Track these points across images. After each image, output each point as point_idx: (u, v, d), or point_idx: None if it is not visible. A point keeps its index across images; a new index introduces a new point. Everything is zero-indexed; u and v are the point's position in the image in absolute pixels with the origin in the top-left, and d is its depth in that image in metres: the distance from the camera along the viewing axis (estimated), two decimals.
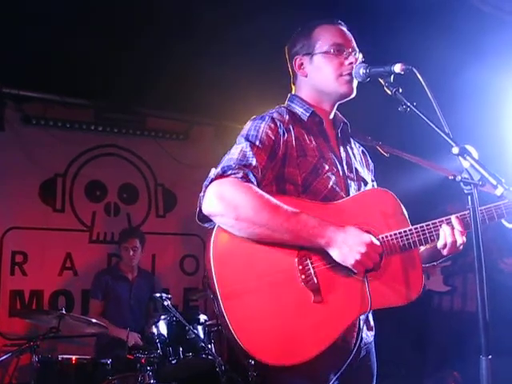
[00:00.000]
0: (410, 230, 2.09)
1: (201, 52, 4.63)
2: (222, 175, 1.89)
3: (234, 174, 1.88)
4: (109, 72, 5.01)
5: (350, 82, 2.15)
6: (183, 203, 6.36)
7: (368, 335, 2.14)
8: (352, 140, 2.37)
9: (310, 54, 2.20)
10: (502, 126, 4.67)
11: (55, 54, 4.66)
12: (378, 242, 1.93)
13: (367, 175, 2.34)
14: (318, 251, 1.91)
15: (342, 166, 2.19)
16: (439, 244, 2.13)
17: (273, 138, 2.02)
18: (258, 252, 1.87)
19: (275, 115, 2.10)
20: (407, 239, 2.06)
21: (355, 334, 2.04)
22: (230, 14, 4.02)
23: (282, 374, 1.89)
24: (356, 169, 2.27)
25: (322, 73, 2.18)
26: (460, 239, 2.14)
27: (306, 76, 2.23)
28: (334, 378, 1.94)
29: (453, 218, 2.14)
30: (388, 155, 2.37)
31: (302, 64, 2.23)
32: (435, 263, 2.28)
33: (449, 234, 2.13)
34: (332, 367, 1.94)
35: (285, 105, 2.25)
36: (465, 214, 2.12)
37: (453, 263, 4.86)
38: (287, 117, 2.13)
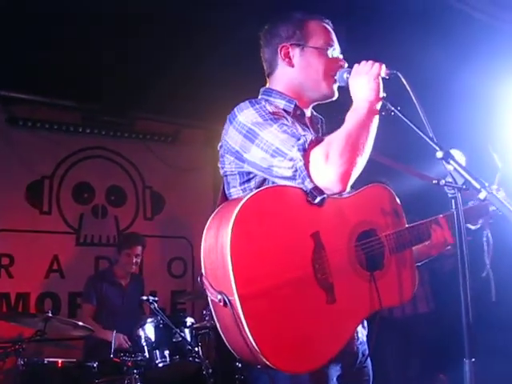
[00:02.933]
0: (407, 228, 2.13)
1: (192, 55, 4.64)
2: (304, 153, 1.75)
3: (309, 142, 1.77)
4: (97, 74, 4.99)
5: (334, 83, 2.11)
6: (171, 206, 6.35)
7: (363, 333, 2.09)
8: None
9: (302, 45, 2.08)
10: (494, 129, 4.68)
11: (43, 56, 4.64)
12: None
13: None
14: (334, 242, 1.85)
15: None
16: (430, 243, 2.17)
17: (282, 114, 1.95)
18: (274, 248, 1.73)
19: (263, 101, 1.98)
20: (405, 238, 2.09)
21: (355, 335, 2.00)
22: (223, 18, 4.03)
23: (285, 381, 1.82)
24: None
25: (311, 69, 2.08)
26: (449, 239, 2.20)
27: (293, 67, 2.10)
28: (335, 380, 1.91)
29: (440, 218, 2.19)
30: None
31: (288, 53, 2.09)
32: (419, 264, 2.31)
33: (439, 234, 2.19)
34: (335, 370, 1.91)
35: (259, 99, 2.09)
36: (451, 215, 2.16)
37: None
38: (273, 106, 2.00)
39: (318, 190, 1.77)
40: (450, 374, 5.42)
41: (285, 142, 1.78)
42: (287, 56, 2.10)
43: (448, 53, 4.15)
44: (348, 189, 1.78)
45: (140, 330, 4.26)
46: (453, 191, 1.69)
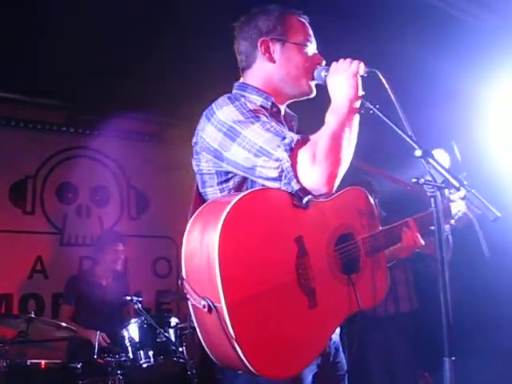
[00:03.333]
0: (381, 231, 2.17)
1: (175, 54, 4.62)
2: (291, 152, 1.73)
3: (295, 142, 1.75)
4: (81, 73, 4.96)
5: (313, 81, 2.08)
6: (156, 205, 6.34)
7: (336, 333, 2.10)
8: None
9: (283, 40, 2.04)
10: (476, 127, 4.73)
11: (26, 55, 4.60)
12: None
13: None
14: (315, 246, 1.84)
15: None
16: (400, 246, 2.21)
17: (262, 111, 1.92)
18: (260, 253, 1.70)
19: (242, 99, 1.94)
20: (380, 241, 2.13)
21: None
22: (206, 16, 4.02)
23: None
24: None
25: (291, 65, 2.04)
26: (417, 241, 2.25)
27: (274, 62, 2.04)
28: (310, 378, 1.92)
29: (410, 220, 2.23)
30: None
31: (269, 48, 2.04)
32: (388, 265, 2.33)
33: (409, 237, 2.23)
34: (310, 371, 1.91)
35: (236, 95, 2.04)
36: (420, 217, 2.21)
37: None
38: (251, 103, 1.95)
39: (304, 191, 1.76)
40: (433, 372, 5.47)
41: (269, 141, 1.75)
42: (267, 51, 2.05)
43: (429, 50, 4.18)
44: (335, 189, 1.77)
45: (124, 330, 4.24)
46: (432, 190, 1.69)
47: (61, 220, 5.93)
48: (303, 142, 1.76)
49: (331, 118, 1.82)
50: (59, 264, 5.75)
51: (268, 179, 1.79)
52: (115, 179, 6.30)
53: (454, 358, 1.61)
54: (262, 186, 1.83)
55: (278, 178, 1.76)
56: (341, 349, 2.16)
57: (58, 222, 5.91)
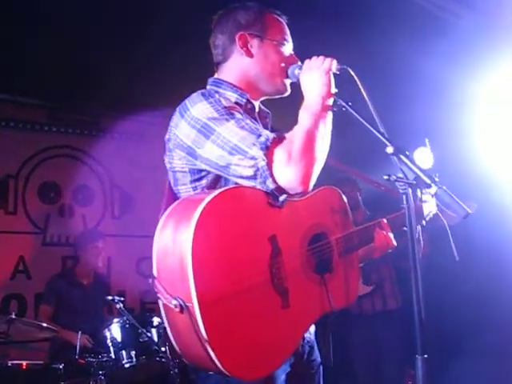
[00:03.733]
0: (354, 232, 2.17)
1: (157, 53, 4.61)
2: (267, 150, 1.72)
3: (271, 141, 1.74)
4: (62, 71, 4.92)
5: (288, 79, 2.07)
6: (140, 204, 6.29)
7: (310, 331, 2.10)
8: None
9: (261, 36, 2.04)
10: (462, 123, 4.77)
11: (6, 53, 4.56)
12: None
13: None
14: (289, 245, 1.84)
15: None
16: (373, 246, 2.22)
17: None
18: (234, 252, 1.69)
19: (216, 95, 1.92)
20: (353, 241, 2.14)
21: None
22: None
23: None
24: None
25: (268, 61, 2.04)
26: (390, 241, 2.27)
27: (251, 57, 2.03)
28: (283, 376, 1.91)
29: (383, 221, 2.24)
30: None
31: (247, 43, 2.03)
32: (361, 265, 2.34)
33: (382, 237, 2.25)
34: (283, 370, 1.90)
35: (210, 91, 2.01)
36: (393, 217, 2.23)
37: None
38: (225, 99, 1.94)
39: (279, 190, 1.74)
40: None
41: (244, 139, 1.74)
42: (245, 45, 2.04)
43: (412, 49, 4.18)
44: (311, 188, 1.77)
45: (106, 330, 4.21)
46: (404, 187, 1.68)
47: (43, 220, 5.87)
48: (279, 140, 1.74)
49: (305, 116, 1.82)
50: (42, 264, 5.70)
51: (243, 178, 1.77)
52: (98, 178, 6.26)
53: (426, 356, 1.61)
54: (236, 184, 1.81)
55: (253, 177, 1.74)
56: (316, 347, 2.16)
57: (40, 221, 5.86)
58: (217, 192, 1.69)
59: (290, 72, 2.04)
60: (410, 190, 1.68)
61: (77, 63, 4.81)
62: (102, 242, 5.20)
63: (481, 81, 4.56)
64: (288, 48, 2.10)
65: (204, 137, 1.79)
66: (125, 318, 4.18)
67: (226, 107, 1.84)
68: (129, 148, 6.31)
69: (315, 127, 1.78)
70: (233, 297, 1.65)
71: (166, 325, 1.75)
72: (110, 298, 4.19)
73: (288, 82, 2.08)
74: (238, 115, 1.83)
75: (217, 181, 1.88)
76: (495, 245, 4.74)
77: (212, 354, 1.58)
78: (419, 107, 4.71)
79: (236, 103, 1.98)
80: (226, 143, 1.75)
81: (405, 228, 2.38)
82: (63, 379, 3.98)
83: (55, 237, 5.90)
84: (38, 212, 5.87)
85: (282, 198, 1.80)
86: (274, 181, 1.71)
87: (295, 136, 1.75)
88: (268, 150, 1.71)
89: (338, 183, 4.94)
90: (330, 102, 1.87)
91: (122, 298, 4.22)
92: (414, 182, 1.66)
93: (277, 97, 2.14)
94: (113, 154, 6.22)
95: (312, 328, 2.12)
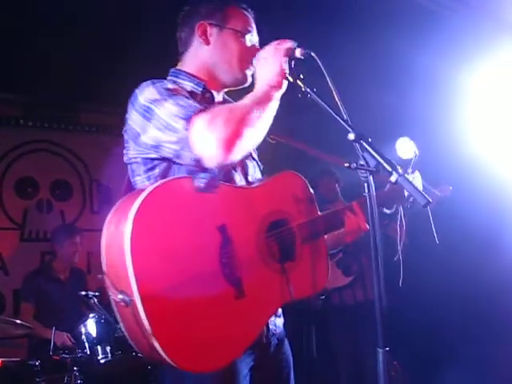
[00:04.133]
0: (319, 217, 2.11)
1: (132, 46, 4.56)
2: (192, 119, 1.71)
3: (196, 111, 1.73)
4: (38, 65, 4.86)
5: (249, 69, 2.06)
6: (119, 199, 6.22)
7: (277, 323, 2.06)
8: None
9: (221, 26, 2.04)
10: (454, 114, 4.79)
11: None
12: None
13: (256, 158, 2.25)
14: (242, 234, 1.81)
15: None
16: (344, 231, 2.16)
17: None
18: (178, 244, 1.67)
19: (170, 83, 1.94)
20: (318, 227, 2.07)
21: (265, 328, 1.96)
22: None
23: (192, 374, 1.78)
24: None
25: (227, 49, 2.04)
26: (364, 226, 2.19)
27: (208, 45, 2.05)
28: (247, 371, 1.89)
29: (354, 204, 2.18)
30: (274, 142, 2.35)
31: (206, 31, 2.04)
32: (333, 251, 2.29)
33: (353, 221, 2.18)
34: (245, 363, 1.88)
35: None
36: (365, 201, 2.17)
37: (344, 253, 4.74)
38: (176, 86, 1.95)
39: (200, 165, 1.73)
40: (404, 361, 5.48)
41: (174, 115, 1.74)
42: (204, 34, 2.05)
43: (406, 41, 4.20)
44: (232, 160, 1.72)
45: (81, 326, 4.19)
46: (365, 174, 1.65)
47: (21, 215, 5.81)
48: (203, 110, 1.73)
49: (245, 98, 1.80)
50: (20, 260, 5.64)
51: (175, 156, 1.78)
52: (77, 173, 6.19)
53: (387, 349, 1.59)
54: (189, 172, 1.80)
55: (181, 151, 1.74)
56: (286, 341, 2.13)
57: (17, 217, 5.79)
58: (156, 184, 1.68)
59: (256, 60, 2.00)
60: (371, 178, 1.65)
61: (53, 58, 4.74)
62: (78, 238, 5.16)
63: (474, 71, 4.59)
64: (251, 39, 2.08)
65: (147, 120, 1.79)
66: (100, 313, 4.15)
67: (169, 89, 1.83)
68: (108, 142, 6.24)
69: (250, 107, 1.75)
70: (178, 289, 1.63)
71: (119, 319, 1.72)
72: (83, 293, 4.16)
73: (249, 72, 2.06)
74: (180, 96, 1.82)
75: (168, 170, 1.86)
76: (486, 231, 4.77)
77: (158, 347, 1.57)
78: (413, 98, 4.74)
79: (192, 92, 1.98)
80: (162, 123, 1.76)
81: (386, 210, 2.38)
82: (39, 376, 3.95)
83: (33, 232, 5.84)
84: (15, 208, 5.80)
85: (202, 179, 1.76)
86: (195, 148, 1.69)
87: (225, 108, 1.75)
88: (190, 119, 1.71)
89: (316, 175, 4.96)
90: (278, 93, 1.84)
91: (97, 293, 4.19)
92: (375, 170, 1.63)
93: (240, 87, 2.12)
94: (92, 147, 6.18)
95: (280, 321, 2.09)
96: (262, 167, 2.25)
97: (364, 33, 4.25)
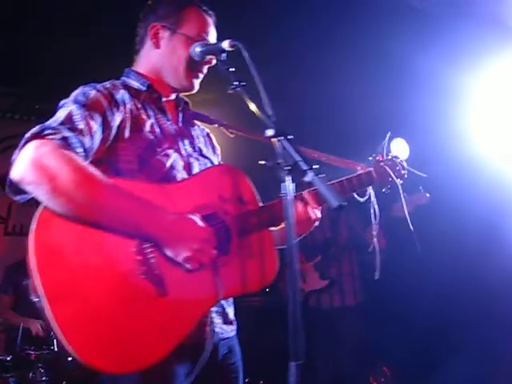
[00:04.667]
0: (261, 208, 1.98)
1: (122, 42, 4.49)
2: (38, 135, 1.62)
3: (53, 135, 1.63)
4: (24, 59, 4.83)
5: (197, 78, 2.06)
6: None
7: (225, 330, 1.98)
8: (196, 122, 2.22)
9: (173, 30, 2.01)
10: (458, 116, 4.75)
11: None
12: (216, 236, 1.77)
13: (213, 157, 2.18)
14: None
15: (184, 145, 2.03)
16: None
17: (105, 105, 1.82)
18: (90, 241, 1.62)
19: (108, 85, 1.92)
20: (257, 219, 1.94)
21: (208, 329, 1.87)
22: None
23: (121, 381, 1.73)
24: (200, 148, 2.12)
25: (175, 55, 2.01)
26: (313, 215, 2.08)
27: (159, 48, 2.04)
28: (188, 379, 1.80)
29: (305, 193, 2.06)
30: (233, 135, 2.29)
31: (158, 34, 2.03)
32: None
33: (302, 211, 2.06)
34: (183, 367, 1.79)
35: (119, 80, 2.04)
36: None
37: (324, 256, 4.69)
38: (122, 88, 1.94)
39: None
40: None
41: (53, 121, 1.71)
42: (155, 36, 2.04)
43: (411, 45, 4.16)
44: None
45: None
46: (282, 173, 1.55)
47: (5, 209, 5.78)
48: (67, 142, 1.67)
49: (114, 188, 1.68)
50: (4, 254, 5.62)
51: None
52: None
53: (300, 362, 1.45)
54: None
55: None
56: (237, 350, 2.04)
57: (2, 211, 5.77)
58: None
59: (191, 51, 1.98)
60: (287, 177, 1.56)
61: (40, 51, 4.71)
62: None
63: (479, 73, 4.54)
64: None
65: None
66: None
67: (90, 96, 1.81)
68: None
69: (97, 198, 1.63)
70: (89, 290, 1.57)
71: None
72: None
73: (196, 81, 2.06)
74: (88, 107, 1.77)
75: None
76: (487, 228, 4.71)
77: (70, 348, 1.52)
78: (417, 99, 4.67)
79: (136, 90, 1.98)
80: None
81: (359, 198, 2.27)
82: (8, 371, 3.92)
83: (17, 226, 5.82)
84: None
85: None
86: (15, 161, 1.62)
87: (74, 160, 1.63)
88: (35, 135, 1.63)
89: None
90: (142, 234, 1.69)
91: None
92: (290, 168, 1.54)
93: (188, 94, 2.12)
94: None
95: (230, 328, 2.01)
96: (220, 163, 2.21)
97: (368, 37, 4.25)
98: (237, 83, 1.76)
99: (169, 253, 1.70)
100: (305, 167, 1.53)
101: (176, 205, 1.78)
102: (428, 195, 3.99)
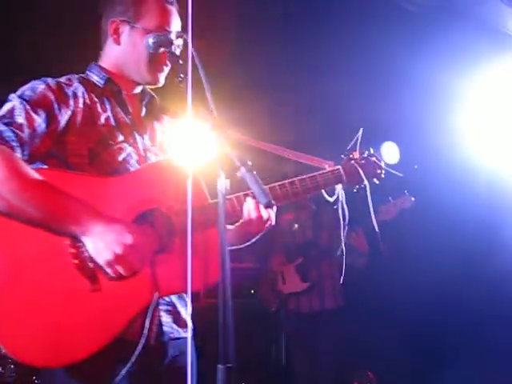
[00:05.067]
0: (209, 205, 1.91)
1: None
2: None
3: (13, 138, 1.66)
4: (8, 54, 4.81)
5: (161, 71, 2.02)
6: None
7: (176, 329, 1.92)
8: (165, 117, 2.19)
9: (131, 24, 1.98)
10: (451, 118, 4.82)
11: None
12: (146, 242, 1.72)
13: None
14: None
15: (143, 139, 2.01)
16: (244, 220, 1.98)
17: (52, 99, 1.81)
18: (21, 234, 1.62)
19: (61, 79, 1.91)
20: (205, 216, 1.87)
21: (154, 328, 1.83)
22: None
23: (58, 376, 1.70)
24: (161, 143, 2.09)
25: (135, 50, 1.98)
26: (266, 214, 2.01)
27: (119, 45, 2.02)
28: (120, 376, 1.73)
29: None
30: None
31: (118, 29, 2.00)
32: (246, 245, 2.11)
33: (253, 209, 1.98)
34: (119, 362, 1.72)
35: (83, 74, 2.03)
36: (274, 186, 2.02)
37: (305, 258, 4.65)
38: (76, 82, 1.93)
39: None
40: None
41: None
42: (115, 32, 2.01)
43: (405, 47, 4.26)
44: None
45: None
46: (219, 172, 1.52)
47: None
48: (20, 144, 1.70)
49: (43, 184, 1.69)
50: None
51: None
52: None
53: (229, 365, 1.40)
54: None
55: None
56: (188, 352, 1.92)
57: None
58: None
59: (145, 43, 1.95)
60: (222, 176, 1.53)
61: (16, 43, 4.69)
62: None
63: (473, 75, 4.59)
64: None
65: None
66: None
67: (37, 91, 1.81)
68: None
69: (27, 195, 1.64)
70: (20, 281, 1.60)
71: None
72: None
73: (161, 74, 2.03)
74: (32, 102, 1.77)
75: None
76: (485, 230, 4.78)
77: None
78: (410, 104, 4.75)
79: (95, 84, 1.99)
80: None
81: (328, 197, 2.20)
82: None
83: None
84: None
85: None
86: None
87: (9, 157, 1.66)
88: None
89: (283, 179, 4.83)
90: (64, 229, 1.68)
91: None
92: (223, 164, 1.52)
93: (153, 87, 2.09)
94: None
95: (182, 331, 1.95)
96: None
97: (364, 40, 4.27)
98: (182, 76, 1.75)
99: (90, 249, 1.67)
100: (238, 163, 1.50)
101: (116, 198, 1.77)
102: (413, 199, 3.94)
